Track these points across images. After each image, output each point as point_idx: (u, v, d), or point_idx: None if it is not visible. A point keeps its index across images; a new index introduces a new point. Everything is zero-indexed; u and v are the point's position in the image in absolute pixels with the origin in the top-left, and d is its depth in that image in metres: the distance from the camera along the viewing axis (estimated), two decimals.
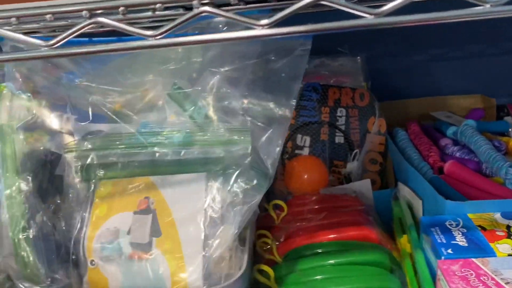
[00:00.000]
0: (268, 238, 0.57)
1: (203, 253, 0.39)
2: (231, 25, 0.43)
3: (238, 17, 0.27)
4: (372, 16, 0.27)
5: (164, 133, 0.46)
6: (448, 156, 0.68)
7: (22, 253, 0.40)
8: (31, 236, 0.40)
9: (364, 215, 0.58)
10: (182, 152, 0.44)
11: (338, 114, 0.72)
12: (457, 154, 0.68)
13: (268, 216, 0.61)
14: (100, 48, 0.28)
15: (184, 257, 0.39)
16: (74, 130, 0.50)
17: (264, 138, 0.43)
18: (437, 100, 0.87)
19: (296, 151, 0.72)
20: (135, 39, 0.28)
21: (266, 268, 0.50)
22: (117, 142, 0.46)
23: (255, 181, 0.41)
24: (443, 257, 0.45)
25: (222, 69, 0.48)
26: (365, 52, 0.84)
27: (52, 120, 0.48)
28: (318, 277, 0.50)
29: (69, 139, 0.50)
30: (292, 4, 0.27)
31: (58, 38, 0.27)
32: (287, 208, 0.61)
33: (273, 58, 0.48)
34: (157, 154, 0.45)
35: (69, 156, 0.46)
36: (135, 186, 0.45)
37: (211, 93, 0.47)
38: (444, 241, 0.47)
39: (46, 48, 0.27)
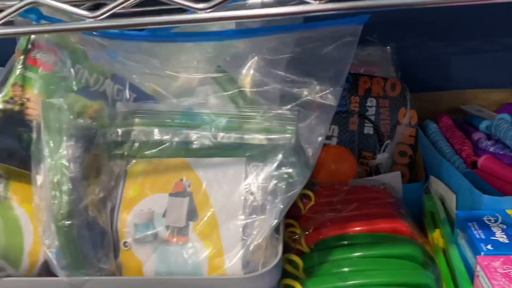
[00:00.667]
0: (295, 228, 0.56)
1: (242, 241, 0.38)
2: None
3: None
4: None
5: (206, 116, 0.45)
6: (481, 150, 0.66)
7: (69, 241, 0.39)
8: (76, 223, 0.39)
9: (395, 208, 0.57)
10: (222, 136, 0.43)
11: (368, 104, 0.71)
12: (491, 149, 0.66)
13: (294, 206, 0.60)
14: (148, 20, 0.27)
15: (223, 244, 0.38)
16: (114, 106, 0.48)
17: (306, 126, 0.42)
18: (467, 94, 0.85)
19: (325, 141, 0.70)
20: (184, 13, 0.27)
21: (295, 258, 0.49)
22: (155, 122, 0.45)
23: (296, 171, 0.40)
24: (482, 253, 0.44)
25: (267, 55, 0.46)
26: (394, 42, 0.81)
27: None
28: (349, 269, 0.49)
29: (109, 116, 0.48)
30: None
31: (104, 10, 0.26)
32: (314, 198, 0.60)
33: (322, 44, 0.46)
34: (195, 136, 0.44)
35: (105, 133, 0.45)
36: (171, 167, 0.44)
37: (256, 77, 0.46)
38: (483, 237, 0.46)
39: (91, 20, 0.26)
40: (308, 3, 0.26)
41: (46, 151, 0.40)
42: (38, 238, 0.41)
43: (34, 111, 0.43)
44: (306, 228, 0.56)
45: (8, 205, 0.41)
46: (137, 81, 0.50)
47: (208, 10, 0.25)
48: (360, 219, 0.54)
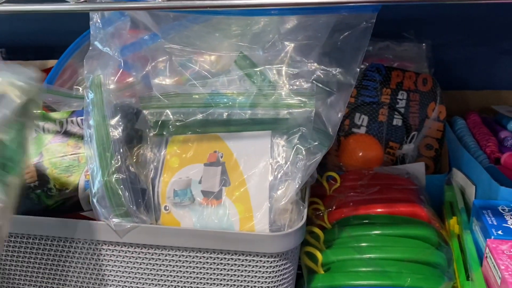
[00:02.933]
0: (319, 205, 0.60)
1: (269, 202, 0.43)
2: None
3: None
4: None
5: (233, 95, 0.50)
6: (507, 148, 0.69)
7: (115, 195, 0.44)
8: (121, 178, 0.45)
9: (416, 195, 0.60)
10: (249, 112, 0.48)
11: (399, 97, 0.74)
12: None
13: (320, 187, 0.64)
14: (217, 3, 0.31)
15: (252, 205, 0.43)
16: (153, 87, 0.54)
17: (328, 102, 0.46)
18: (498, 94, 0.86)
19: (353, 129, 0.74)
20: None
21: (317, 230, 0.53)
22: (190, 101, 0.50)
23: (317, 141, 0.44)
24: (492, 237, 0.47)
25: (294, 40, 0.51)
26: (430, 39, 0.84)
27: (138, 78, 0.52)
28: (366, 244, 0.53)
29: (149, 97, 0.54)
30: None
31: None
32: (340, 180, 0.64)
33: (340, 29, 0.50)
34: (225, 114, 0.49)
35: (147, 112, 0.51)
36: (205, 141, 0.49)
37: (283, 61, 0.50)
38: (495, 223, 0.49)
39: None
40: None
41: (94, 121, 0.46)
42: None
43: None
44: (330, 206, 0.60)
45: None
46: (175, 60, 0.55)
47: None
48: (381, 201, 0.58)
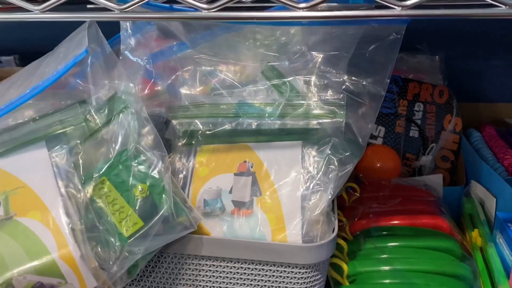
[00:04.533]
0: (340, 217, 0.60)
1: (301, 213, 0.43)
2: None
3: None
4: (506, 7, 0.29)
5: (261, 105, 0.50)
6: None
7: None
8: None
9: (436, 206, 0.60)
10: (278, 123, 0.48)
11: (416, 108, 0.74)
12: None
13: (339, 198, 0.64)
14: (255, 15, 0.32)
15: (284, 215, 0.43)
16: (182, 97, 0.54)
17: (359, 113, 0.47)
18: (511, 107, 0.87)
19: (370, 140, 0.74)
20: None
21: (341, 241, 0.53)
22: (218, 111, 0.51)
23: (348, 151, 0.44)
24: None
25: (322, 51, 0.51)
26: (443, 52, 0.84)
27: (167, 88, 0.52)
28: (391, 255, 0.53)
29: (178, 106, 0.54)
30: None
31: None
32: (359, 191, 0.64)
33: (369, 41, 0.50)
34: (254, 124, 0.49)
35: (176, 122, 0.51)
36: (234, 150, 0.49)
37: (311, 71, 0.50)
38: None
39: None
40: (392, 8, 0.30)
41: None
42: (59, 237, 0.37)
43: None
44: (351, 217, 0.60)
45: (14, 224, 0.37)
46: (204, 70, 0.55)
47: (306, 9, 0.30)
48: (403, 213, 0.58)
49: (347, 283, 0.51)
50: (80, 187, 0.38)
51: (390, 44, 0.47)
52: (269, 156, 0.47)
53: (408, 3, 0.30)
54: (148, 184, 0.40)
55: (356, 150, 0.45)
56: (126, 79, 0.46)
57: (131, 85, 0.49)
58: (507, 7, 0.30)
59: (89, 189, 0.39)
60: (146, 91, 0.51)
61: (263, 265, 0.43)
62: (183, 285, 0.46)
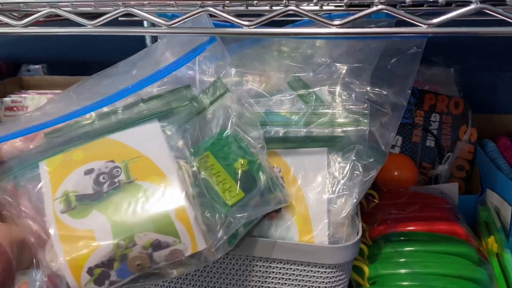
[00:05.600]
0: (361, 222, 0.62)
1: (327, 216, 0.45)
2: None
3: (407, 15, 0.33)
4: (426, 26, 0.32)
5: (287, 114, 0.53)
6: None
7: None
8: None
9: (453, 213, 0.62)
10: (304, 131, 0.51)
11: (432, 119, 0.77)
12: None
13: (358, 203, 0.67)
14: (291, 31, 0.35)
15: (311, 218, 0.46)
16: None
17: (382, 121, 0.49)
18: None
19: None
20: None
21: (362, 245, 0.56)
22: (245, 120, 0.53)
23: (372, 158, 0.47)
24: None
25: (346, 63, 0.54)
26: (458, 64, 0.87)
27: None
28: (410, 259, 0.55)
29: None
30: (454, 9, 0.32)
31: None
32: (378, 198, 0.66)
33: (391, 54, 0.53)
34: (281, 132, 0.52)
35: None
36: None
37: (335, 82, 0.53)
38: None
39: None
40: (418, 26, 0.33)
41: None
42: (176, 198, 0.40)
43: None
44: (370, 223, 0.62)
45: (136, 187, 0.40)
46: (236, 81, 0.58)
47: (339, 26, 0.33)
48: (420, 219, 0.60)
49: (368, 285, 0.53)
50: (189, 159, 0.42)
51: (411, 57, 0.50)
52: (296, 162, 0.49)
53: (434, 21, 0.33)
54: (247, 159, 0.44)
55: (379, 156, 0.47)
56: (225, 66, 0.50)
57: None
58: None
59: (196, 162, 0.42)
60: None
61: (291, 264, 0.46)
62: (214, 282, 0.49)
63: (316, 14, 0.35)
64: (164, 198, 0.39)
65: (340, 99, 0.51)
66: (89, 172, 0.40)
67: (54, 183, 0.40)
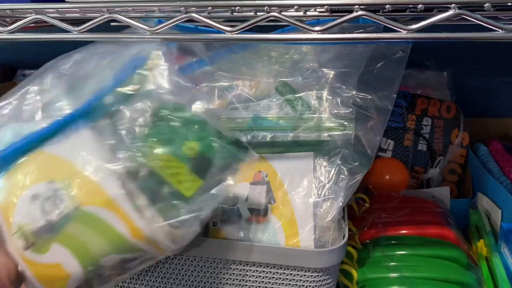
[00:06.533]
0: (350, 226, 0.62)
1: (313, 220, 0.45)
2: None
3: (387, 21, 0.33)
4: (503, 31, 0.32)
5: (275, 119, 0.53)
6: None
7: None
8: None
9: (443, 217, 0.62)
10: (291, 135, 0.51)
11: (424, 123, 0.77)
12: None
13: (349, 208, 0.67)
14: (272, 37, 0.35)
15: (297, 222, 0.46)
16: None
17: (367, 126, 0.50)
18: None
19: (379, 153, 0.76)
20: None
21: (350, 249, 0.56)
22: (234, 125, 0.54)
23: (357, 162, 0.47)
24: None
25: (333, 68, 0.54)
26: (451, 68, 0.87)
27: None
28: (399, 263, 0.55)
29: None
30: (435, 15, 0.33)
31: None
32: (369, 202, 0.66)
33: (377, 58, 0.54)
34: (268, 136, 0.52)
35: None
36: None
37: (323, 87, 0.53)
38: None
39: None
40: (398, 31, 0.33)
41: None
42: (127, 219, 0.39)
43: None
44: (360, 227, 0.62)
45: (84, 214, 0.38)
46: (222, 85, 0.59)
47: (320, 32, 0.34)
48: (411, 223, 0.61)
49: None
50: (130, 158, 0.38)
51: (396, 62, 0.50)
52: (283, 166, 0.50)
53: (413, 27, 0.33)
54: (196, 137, 0.40)
55: (365, 160, 0.48)
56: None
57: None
58: (504, 31, 0.32)
59: (140, 158, 0.38)
60: None
61: (278, 268, 0.46)
62: (201, 287, 0.49)
63: (298, 20, 0.35)
64: (116, 221, 0.37)
65: (326, 104, 0.52)
66: (34, 198, 0.38)
67: (6, 216, 0.38)
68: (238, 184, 0.50)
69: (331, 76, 0.53)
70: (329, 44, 0.50)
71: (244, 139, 0.52)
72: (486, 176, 0.68)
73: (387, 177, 0.72)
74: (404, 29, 0.33)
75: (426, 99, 0.78)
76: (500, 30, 0.32)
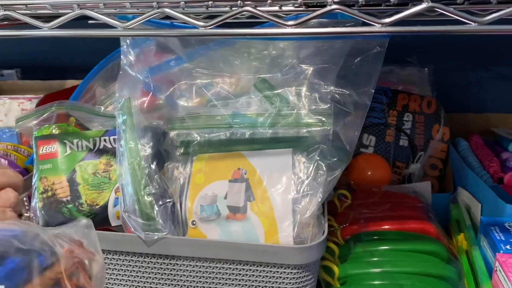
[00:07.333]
0: (332, 222, 0.62)
1: (293, 216, 0.45)
2: None
3: (361, 15, 0.33)
4: (476, 24, 0.32)
5: (253, 115, 0.53)
6: (508, 168, 0.72)
7: (146, 209, 0.47)
8: (152, 194, 0.47)
9: (424, 212, 0.63)
10: (270, 132, 0.51)
11: (405, 118, 0.77)
12: None
13: (331, 205, 0.67)
14: (246, 32, 0.35)
15: (276, 218, 0.46)
16: (179, 109, 0.56)
17: (345, 121, 0.49)
18: (498, 117, 0.90)
19: (361, 150, 0.77)
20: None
21: (332, 245, 0.56)
22: (213, 122, 0.53)
23: (336, 157, 0.47)
24: (501, 251, 0.49)
25: (312, 64, 0.54)
26: (432, 64, 0.87)
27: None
28: (380, 258, 0.55)
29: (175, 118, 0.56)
30: (407, 9, 0.33)
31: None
32: (350, 198, 0.66)
33: (355, 54, 0.53)
34: (247, 133, 0.52)
35: (173, 133, 0.54)
36: (229, 158, 0.51)
37: (301, 83, 0.53)
38: (503, 239, 0.52)
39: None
40: (372, 25, 0.33)
41: (126, 141, 0.49)
42: None
43: None
44: (342, 223, 0.62)
45: None
46: (200, 82, 0.58)
47: (294, 26, 0.33)
48: (392, 218, 0.61)
49: (338, 285, 0.53)
50: None
51: (374, 57, 0.50)
52: (262, 163, 0.49)
53: (387, 20, 0.33)
54: None
55: (343, 156, 0.48)
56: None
57: (130, 98, 0.52)
58: (476, 24, 0.32)
59: None
60: (145, 103, 0.54)
61: (257, 266, 0.45)
62: (181, 286, 0.48)
63: (272, 15, 0.35)
64: None
65: (305, 100, 0.51)
66: None
67: None
68: (217, 182, 0.50)
69: (310, 72, 0.53)
70: (304, 40, 0.50)
71: (223, 136, 0.52)
72: (466, 171, 0.69)
73: (369, 173, 0.73)
74: (378, 23, 0.33)
75: (407, 95, 0.78)
76: (473, 23, 0.32)
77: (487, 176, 0.68)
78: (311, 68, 0.53)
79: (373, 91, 0.50)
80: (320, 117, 0.49)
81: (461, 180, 0.71)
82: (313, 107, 0.49)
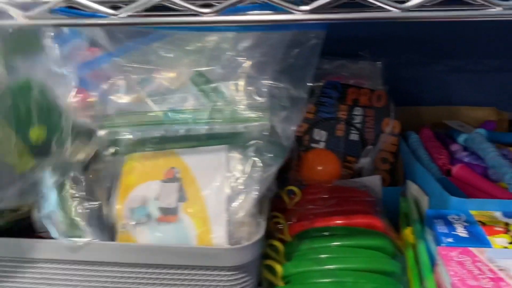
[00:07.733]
0: (280, 219, 0.61)
1: (227, 215, 0.43)
2: None
3: (280, 2, 0.31)
4: (399, 10, 0.31)
5: (188, 111, 0.50)
6: (457, 160, 0.72)
7: (70, 213, 0.44)
8: (77, 197, 0.44)
9: (372, 206, 0.62)
10: (205, 128, 0.49)
11: (355, 112, 0.76)
12: (466, 159, 0.71)
13: (281, 201, 0.65)
14: (161, 20, 0.33)
15: (210, 219, 0.44)
16: (109, 106, 0.54)
17: (282, 116, 0.48)
18: (451, 110, 0.90)
19: (312, 145, 0.76)
20: (189, 15, 0.32)
21: (276, 243, 0.54)
22: (146, 119, 0.51)
23: (272, 153, 0.45)
24: (443, 244, 0.49)
25: (250, 57, 0.52)
26: (384, 58, 0.87)
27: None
28: (325, 255, 0.54)
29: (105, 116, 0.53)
30: None
31: (126, 9, 0.32)
32: (300, 195, 0.65)
33: (291, 46, 0.52)
34: (181, 131, 0.49)
35: (103, 132, 0.51)
36: (161, 158, 0.49)
37: (239, 77, 0.51)
38: (446, 231, 0.51)
39: (114, 17, 0.32)
40: (292, 13, 0.31)
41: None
42: None
43: None
44: (290, 220, 0.61)
45: None
46: (130, 78, 0.55)
47: (212, 14, 0.31)
48: (339, 213, 0.60)
49: (282, 284, 0.52)
50: None
51: (311, 49, 0.49)
52: (195, 161, 0.47)
53: (305, 8, 0.31)
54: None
55: (280, 151, 0.46)
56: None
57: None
58: (400, 11, 0.31)
59: None
60: (75, 101, 0.51)
61: (190, 269, 0.43)
62: None
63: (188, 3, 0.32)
64: None
65: (241, 94, 0.50)
66: None
67: None
68: (148, 183, 0.48)
69: (247, 65, 0.51)
70: (237, 31, 0.48)
71: (156, 134, 0.50)
72: (415, 164, 0.68)
73: (319, 168, 0.72)
74: (297, 10, 0.31)
75: (356, 89, 0.78)
76: (395, 9, 0.31)
77: (435, 168, 0.68)
78: (249, 61, 0.51)
79: (310, 84, 0.49)
80: (256, 112, 0.47)
81: (410, 173, 0.70)
82: (250, 101, 0.48)
